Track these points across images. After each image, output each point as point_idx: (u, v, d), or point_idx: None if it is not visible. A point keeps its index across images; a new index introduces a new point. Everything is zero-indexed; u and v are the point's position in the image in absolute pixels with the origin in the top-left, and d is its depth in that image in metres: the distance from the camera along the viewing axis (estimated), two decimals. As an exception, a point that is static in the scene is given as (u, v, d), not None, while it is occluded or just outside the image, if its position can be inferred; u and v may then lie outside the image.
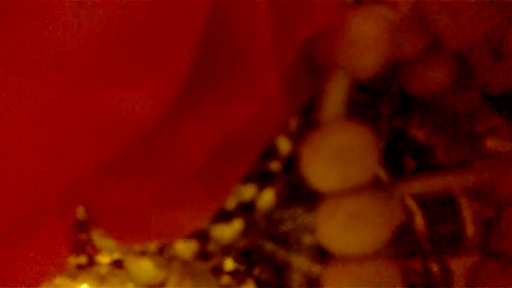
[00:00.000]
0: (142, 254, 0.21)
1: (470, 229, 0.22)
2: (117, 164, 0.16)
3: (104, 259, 0.21)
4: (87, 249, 0.21)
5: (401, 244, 0.21)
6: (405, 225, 0.22)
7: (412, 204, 0.22)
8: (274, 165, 0.20)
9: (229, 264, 0.21)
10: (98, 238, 0.20)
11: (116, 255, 0.21)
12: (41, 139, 0.15)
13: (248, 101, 0.17)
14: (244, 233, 0.20)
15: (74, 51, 0.14)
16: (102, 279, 0.21)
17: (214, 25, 0.16)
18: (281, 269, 0.21)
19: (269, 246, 0.21)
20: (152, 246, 0.21)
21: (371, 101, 0.22)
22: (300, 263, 0.21)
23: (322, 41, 0.18)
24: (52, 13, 0.14)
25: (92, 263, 0.21)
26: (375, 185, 0.18)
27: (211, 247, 0.20)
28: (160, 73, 0.15)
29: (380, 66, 0.18)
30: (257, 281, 0.21)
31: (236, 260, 0.21)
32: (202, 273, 0.21)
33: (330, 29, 0.18)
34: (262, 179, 0.20)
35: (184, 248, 0.20)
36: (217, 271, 0.21)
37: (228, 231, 0.20)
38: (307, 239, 0.21)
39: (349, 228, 0.17)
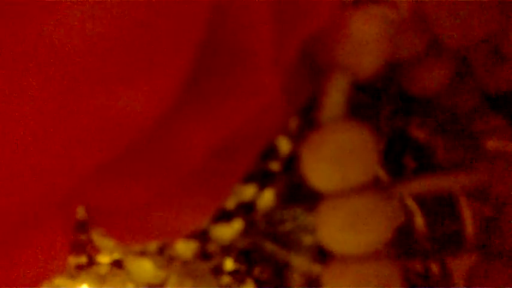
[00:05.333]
0: (142, 254, 0.21)
1: (470, 229, 0.22)
2: (117, 164, 0.16)
3: (104, 259, 0.21)
4: (87, 249, 0.21)
5: (401, 244, 0.21)
6: (405, 225, 0.22)
7: (412, 204, 0.22)
8: (274, 165, 0.20)
9: (229, 264, 0.21)
10: (98, 238, 0.20)
11: (116, 255, 0.21)
12: (40, 139, 0.15)
13: (248, 101, 0.17)
14: (244, 233, 0.20)
15: (74, 51, 0.14)
16: (102, 279, 0.21)
17: (215, 25, 0.16)
18: (281, 269, 0.21)
19: (269, 246, 0.21)
20: (152, 246, 0.21)
21: (371, 101, 0.22)
22: (300, 263, 0.21)
23: (322, 41, 0.18)
24: (52, 13, 0.14)
25: (92, 263, 0.21)
26: (375, 185, 0.18)
27: (211, 247, 0.20)
28: (160, 73, 0.15)
29: (380, 66, 0.18)
30: (257, 281, 0.21)
31: (236, 260, 0.21)
32: (202, 273, 0.21)
33: (329, 29, 0.18)
34: (262, 179, 0.20)
35: (184, 248, 0.20)
36: (217, 271, 0.21)
37: (228, 231, 0.20)
38: (307, 239, 0.21)
39: (349, 228, 0.17)
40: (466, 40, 0.19)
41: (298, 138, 0.20)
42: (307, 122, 0.20)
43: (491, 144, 0.21)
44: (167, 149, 0.17)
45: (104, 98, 0.15)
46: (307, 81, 0.19)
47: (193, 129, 0.17)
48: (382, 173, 0.21)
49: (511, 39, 0.20)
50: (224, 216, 0.20)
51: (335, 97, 0.18)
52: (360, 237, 0.17)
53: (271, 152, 0.20)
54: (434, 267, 0.22)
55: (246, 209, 0.20)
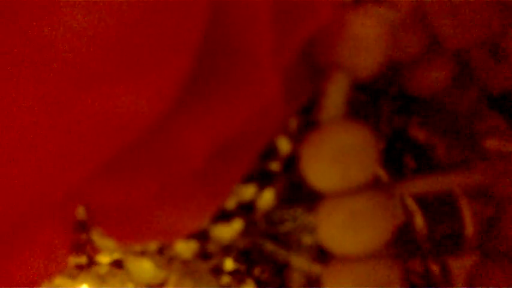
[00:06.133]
0: (142, 254, 0.21)
1: (470, 229, 0.22)
2: (117, 164, 0.16)
3: (104, 259, 0.21)
4: (87, 249, 0.21)
5: (401, 244, 0.21)
6: (405, 225, 0.22)
7: (412, 204, 0.22)
8: (274, 165, 0.20)
9: (229, 264, 0.21)
10: (98, 238, 0.20)
11: (116, 255, 0.21)
12: (41, 139, 0.15)
13: (248, 101, 0.17)
14: (244, 233, 0.20)
15: (74, 51, 0.14)
16: (102, 279, 0.21)
17: (215, 25, 0.16)
18: (281, 269, 0.21)
19: (269, 246, 0.21)
20: (152, 246, 0.21)
21: (371, 101, 0.22)
22: (300, 263, 0.21)
23: (322, 41, 0.18)
24: (52, 13, 0.14)
25: (92, 263, 0.21)
26: (375, 185, 0.18)
27: (211, 247, 0.20)
28: (160, 73, 0.15)
29: (380, 66, 0.18)
30: (257, 281, 0.21)
31: (236, 260, 0.21)
32: (202, 273, 0.21)
33: (330, 29, 0.18)
34: (262, 179, 0.20)
35: (184, 248, 0.20)
36: (217, 271, 0.21)
37: (228, 231, 0.20)
38: (307, 239, 0.21)
39: (349, 228, 0.17)
40: (466, 40, 0.19)
41: (298, 138, 0.20)
42: (307, 122, 0.20)
43: (491, 144, 0.21)
44: (167, 149, 0.17)
45: (104, 97, 0.15)
46: (307, 81, 0.19)
47: (193, 129, 0.17)
48: (382, 173, 0.21)
49: (511, 39, 0.20)
50: (224, 216, 0.20)
51: (335, 97, 0.18)
52: (360, 237, 0.17)
53: (271, 152, 0.20)
54: (434, 267, 0.22)
55: (246, 209, 0.20)
